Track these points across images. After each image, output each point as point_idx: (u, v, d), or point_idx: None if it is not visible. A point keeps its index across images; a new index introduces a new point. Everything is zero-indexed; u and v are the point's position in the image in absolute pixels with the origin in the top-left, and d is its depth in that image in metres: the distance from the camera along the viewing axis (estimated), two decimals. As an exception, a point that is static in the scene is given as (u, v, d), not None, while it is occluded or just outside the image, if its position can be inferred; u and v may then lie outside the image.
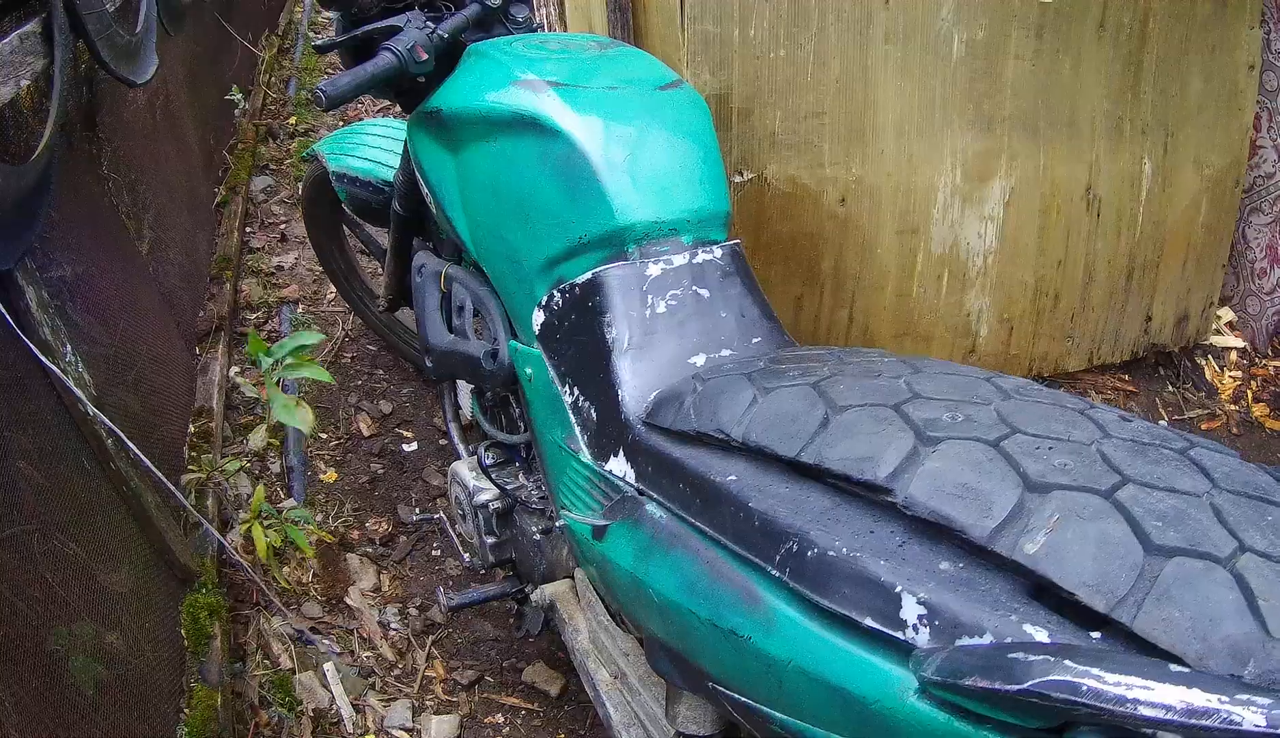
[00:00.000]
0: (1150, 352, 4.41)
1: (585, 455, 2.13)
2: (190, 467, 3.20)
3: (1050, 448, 1.37)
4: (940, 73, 3.55)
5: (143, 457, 2.43)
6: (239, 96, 5.41)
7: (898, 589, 1.32)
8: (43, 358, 2.20)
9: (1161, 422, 4.27)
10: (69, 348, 2.42)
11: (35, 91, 2.42)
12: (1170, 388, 4.45)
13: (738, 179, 3.30)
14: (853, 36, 3.41)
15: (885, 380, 1.65)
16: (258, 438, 3.14)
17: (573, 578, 2.46)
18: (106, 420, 2.39)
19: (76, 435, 2.45)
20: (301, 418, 2.87)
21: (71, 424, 2.44)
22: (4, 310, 2.06)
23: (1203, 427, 4.28)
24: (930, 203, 3.68)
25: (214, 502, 3.21)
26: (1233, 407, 4.34)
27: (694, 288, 2.14)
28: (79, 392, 2.33)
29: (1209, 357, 4.53)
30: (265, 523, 3.01)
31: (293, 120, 6.35)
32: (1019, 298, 3.98)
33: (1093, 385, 4.34)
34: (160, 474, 2.52)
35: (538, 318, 2.26)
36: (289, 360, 2.94)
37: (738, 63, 3.31)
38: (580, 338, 2.15)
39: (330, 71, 7.20)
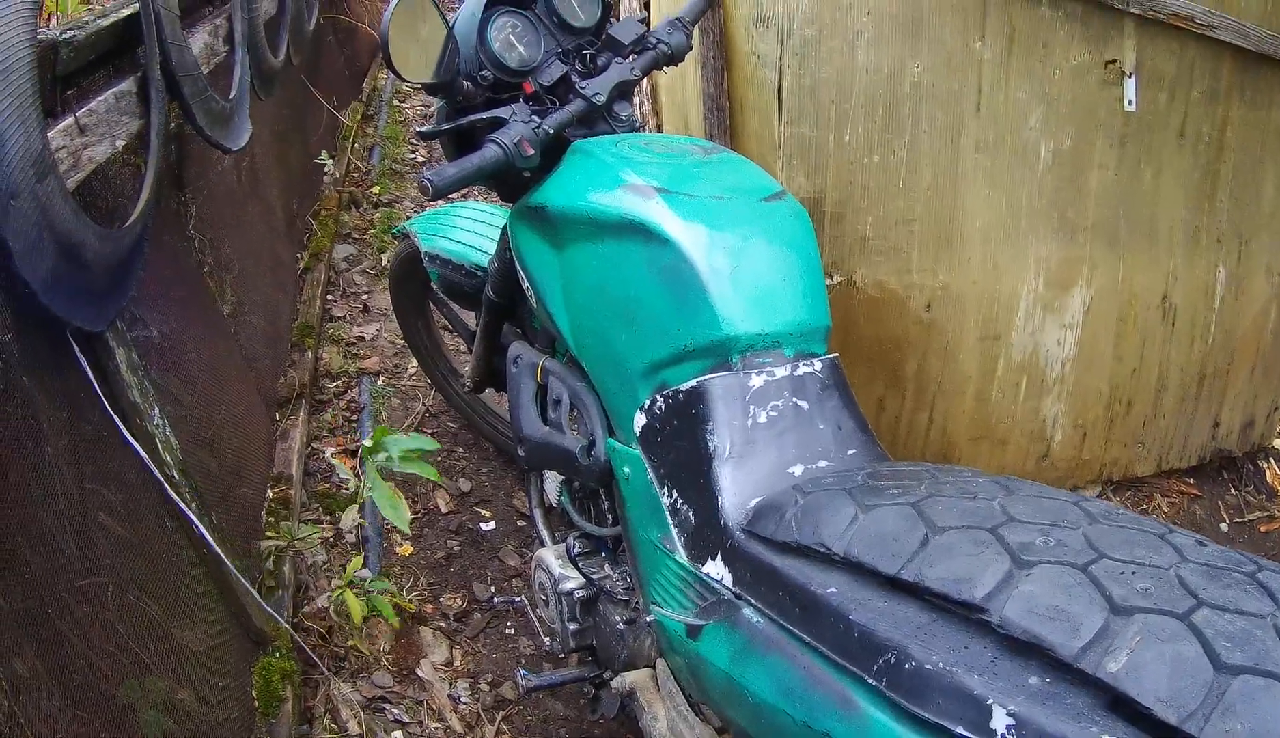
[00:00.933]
0: (1216, 456, 4.37)
1: (681, 556, 2.12)
2: (269, 533, 3.20)
3: (1133, 573, 1.42)
4: (1027, 181, 3.55)
5: (211, 540, 2.42)
6: (328, 161, 5.43)
7: (989, 701, 1.35)
8: (127, 436, 2.20)
9: (1223, 524, 4.26)
10: (156, 411, 2.44)
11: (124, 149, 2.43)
12: (1233, 491, 4.41)
13: (828, 282, 3.30)
14: (944, 144, 3.42)
15: (981, 502, 1.67)
16: (349, 519, 3.14)
17: (653, 668, 2.44)
18: (183, 505, 2.39)
19: (160, 496, 2.45)
20: (401, 516, 2.87)
21: (156, 484, 2.44)
22: (90, 375, 2.07)
23: (1261, 529, 4.25)
24: (1013, 310, 3.67)
25: (290, 568, 3.22)
26: (1292, 509, 4.30)
27: (794, 400, 2.13)
28: (156, 472, 2.33)
29: (1271, 460, 4.50)
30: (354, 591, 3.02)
31: (376, 189, 6.38)
32: (1093, 404, 3.96)
33: (1159, 489, 4.30)
34: (236, 569, 2.52)
35: (639, 420, 2.26)
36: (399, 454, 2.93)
37: (832, 167, 3.33)
38: (681, 443, 2.15)
39: (413, 143, 7.25)
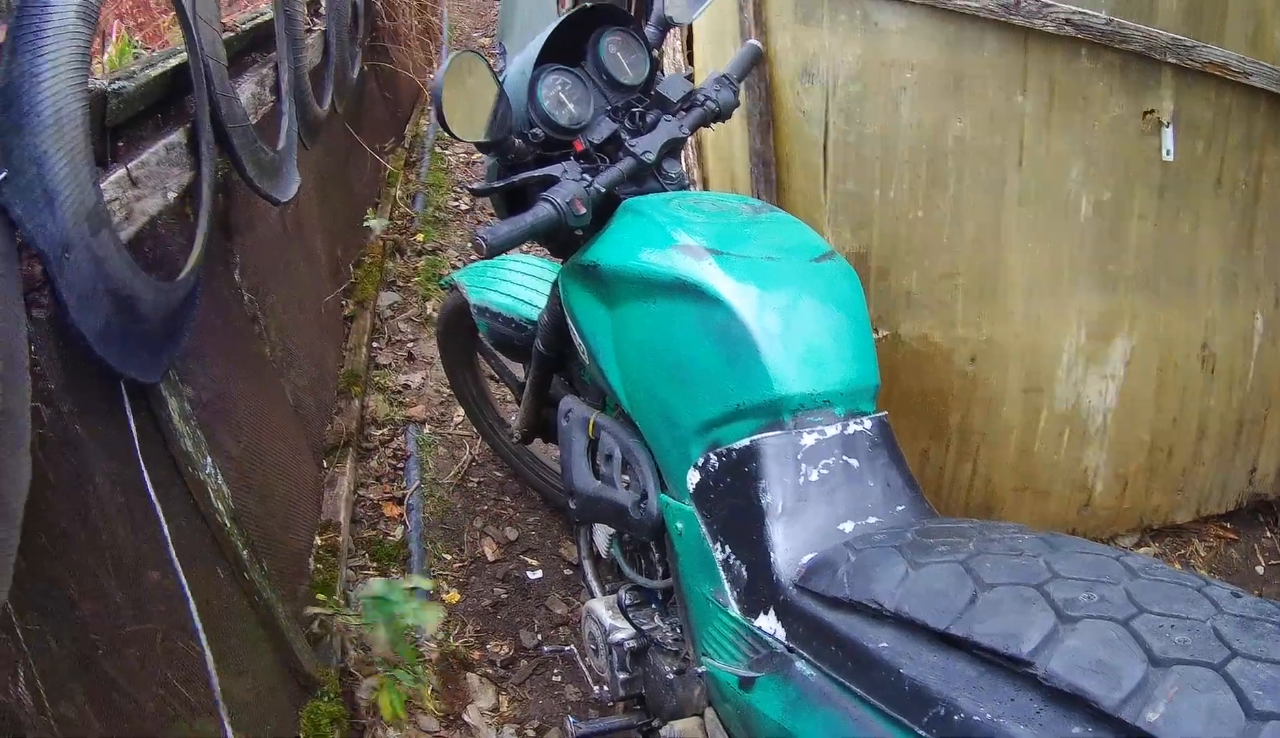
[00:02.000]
0: (1252, 501, 4.31)
1: (734, 610, 2.12)
2: (318, 596, 3.18)
3: (1172, 626, 1.44)
4: (1068, 234, 3.52)
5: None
6: (374, 220, 5.41)
7: None
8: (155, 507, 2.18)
9: (1259, 567, 4.21)
10: (209, 460, 2.42)
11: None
12: (1269, 534, 4.35)
13: (874, 337, 3.27)
14: (987, 198, 3.40)
15: (1026, 560, 1.68)
16: (381, 641, 3.11)
17: (701, 716, 2.40)
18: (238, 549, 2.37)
19: (211, 543, 2.46)
20: (409, 648, 2.85)
21: (208, 532, 2.44)
22: (133, 427, 2.04)
23: (1296, 571, 4.20)
24: (1055, 362, 3.64)
25: (337, 626, 3.20)
26: (1325, 552, 4.26)
27: (845, 458, 2.13)
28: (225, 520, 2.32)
29: (1306, 503, 4.44)
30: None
31: (420, 237, 6.38)
32: (1135, 454, 3.91)
33: (1197, 535, 4.25)
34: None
35: (693, 477, 2.24)
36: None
37: (877, 223, 3.33)
38: (734, 500, 2.14)
39: (457, 189, 7.25)
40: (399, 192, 6.65)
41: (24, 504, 1.49)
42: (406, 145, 7.54)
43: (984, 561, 1.70)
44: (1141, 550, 4.07)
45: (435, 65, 8.42)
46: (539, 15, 3.07)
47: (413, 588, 3.08)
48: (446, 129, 2.40)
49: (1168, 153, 3.54)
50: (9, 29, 1.62)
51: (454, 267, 6.13)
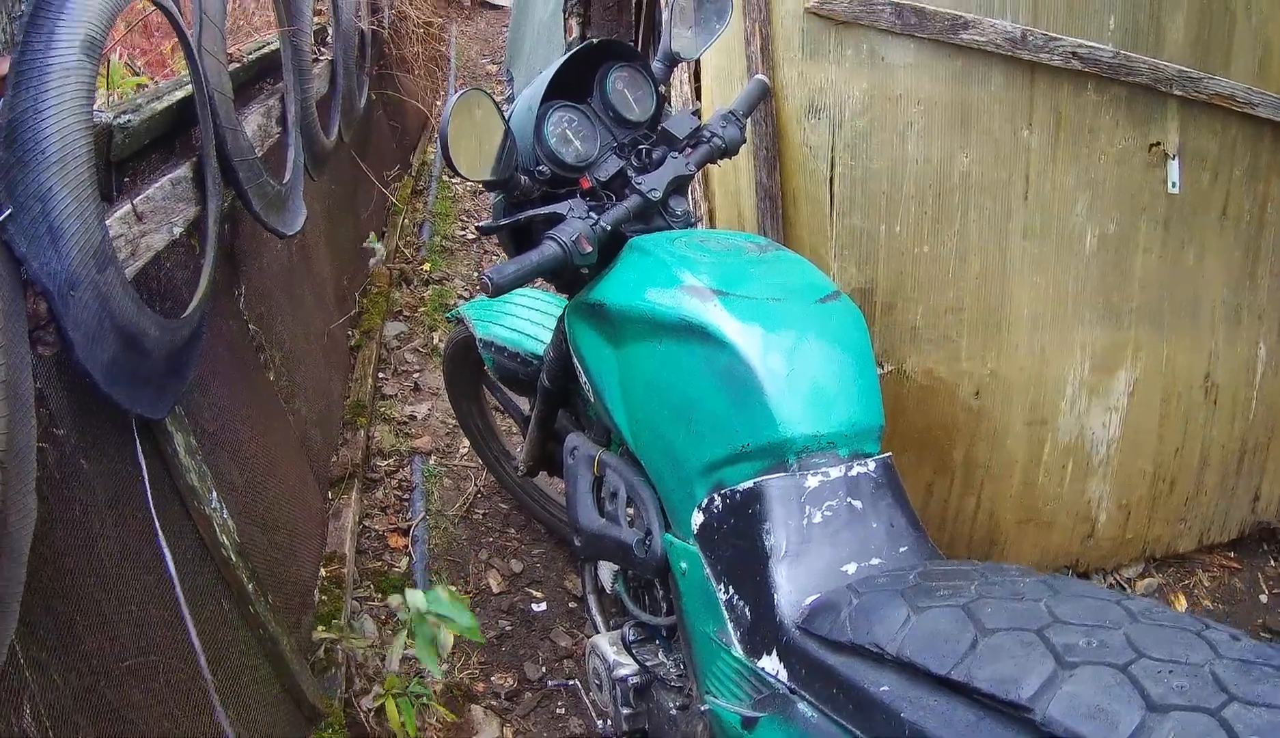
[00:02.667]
0: (1255, 529, 4.31)
1: (737, 650, 2.11)
2: (320, 628, 3.17)
3: (1170, 671, 1.44)
4: (1073, 267, 3.51)
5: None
6: (377, 244, 5.41)
7: None
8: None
9: (1262, 596, 4.19)
10: (214, 494, 2.41)
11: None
12: (1273, 562, 4.35)
13: (879, 371, 3.26)
14: (993, 233, 3.40)
15: (1027, 604, 1.68)
16: (396, 653, 3.08)
17: (705, 752, 2.41)
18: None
19: (216, 576, 2.45)
20: (435, 660, 2.82)
21: (213, 565, 2.43)
22: (144, 464, 2.04)
23: (1299, 597, 4.19)
24: (1059, 395, 3.63)
25: (343, 651, 3.19)
26: (1330, 579, 4.25)
27: (848, 500, 2.12)
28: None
29: (1309, 530, 4.43)
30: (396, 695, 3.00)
31: (426, 266, 6.38)
32: (1138, 484, 3.90)
33: (1200, 564, 4.24)
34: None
35: (697, 518, 2.24)
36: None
37: (883, 258, 3.32)
38: (738, 542, 2.13)
39: (464, 218, 7.26)
40: (405, 220, 6.65)
41: (30, 542, 1.47)
42: (413, 174, 7.54)
43: (985, 605, 1.70)
44: (1145, 581, 4.06)
45: (443, 93, 8.44)
46: (547, 43, 3.06)
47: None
48: (453, 168, 2.38)
49: (1173, 185, 3.54)
50: (13, 63, 1.62)
51: (461, 297, 6.14)
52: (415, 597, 2.82)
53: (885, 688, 1.68)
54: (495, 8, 14.13)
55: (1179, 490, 4.00)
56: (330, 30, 4.63)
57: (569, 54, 2.70)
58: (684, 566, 2.29)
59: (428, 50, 8.00)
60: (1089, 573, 4.00)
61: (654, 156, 2.70)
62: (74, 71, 1.68)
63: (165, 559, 2.01)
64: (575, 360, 2.72)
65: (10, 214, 1.54)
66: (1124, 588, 3.99)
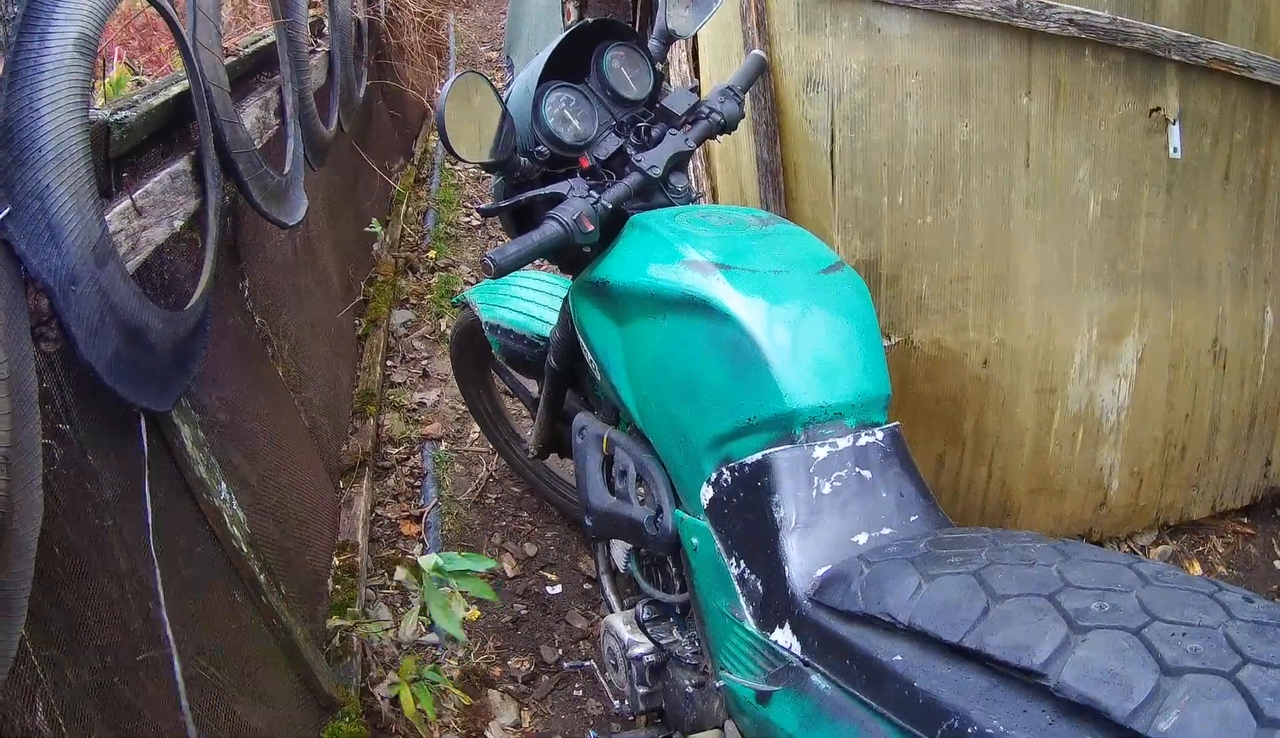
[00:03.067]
0: (1269, 495, 4.29)
1: (749, 624, 2.11)
2: (334, 616, 3.18)
3: (1184, 634, 1.45)
4: (1077, 234, 3.50)
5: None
6: (379, 229, 5.40)
7: None
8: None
9: (1277, 561, 4.17)
10: (223, 486, 2.42)
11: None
12: (1286, 527, 4.33)
13: (886, 343, 3.25)
14: (996, 202, 3.38)
15: (1039, 569, 1.68)
16: (409, 626, 3.09)
17: (721, 729, 2.40)
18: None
19: (228, 567, 2.45)
20: (453, 622, 2.82)
21: (224, 557, 2.44)
22: (146, 455, 2.03)
23: (1313, 562, 4.17)
24: (1068, 363, 3.62)
25: (358, 639, 3.20)
26: (1343, 543, 4.23)
27: (857, 470, 2.11)
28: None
29: (1322, 494, 4.41)
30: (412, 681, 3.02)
31: (432, 253, 6.38)
32: (1149, 451, 3.88)
33: (1214, 530, 4.22)
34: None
35: (706, 493, 2.23)
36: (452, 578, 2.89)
37: (886, 229, 3.31)
38: (748, 515, 2.12)
39: (468, 205, 7.25)
40: (408, 209, 6.64)
41: (38, 538, 1.47)
42: (416, 162, 7.54)
43: (996, 571, 1.70)
44: (1159, 548, 4.05)
45: (442, 81, 8.42)
46: (546, 28, 3.05)
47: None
48: (451, 152, 2.38)
49: (1175, 150, 3.52)
50: (7, 63, 1.62)
51: (467, 283, 6.14)
52: (429, 559, 2.83)
53: (898, 658, 1.68)
54: (493, -7, 14.11)
55: (1190, 457, 3.98)
56: (326, 21, 4.62)
57: (565, 34, 2.68)
58: (695, 541, 2.28)
59: (426, 38, 7.98)
60: (1103, 541, 3.99)
61: (653, 134, 2.69)
62: (68, 69, 1.68)
63: (150, 547, 2.00)
64: (580, 340, 2.71)
65: (9, 212, 1.54)
66: (1137, 556, 3.97)
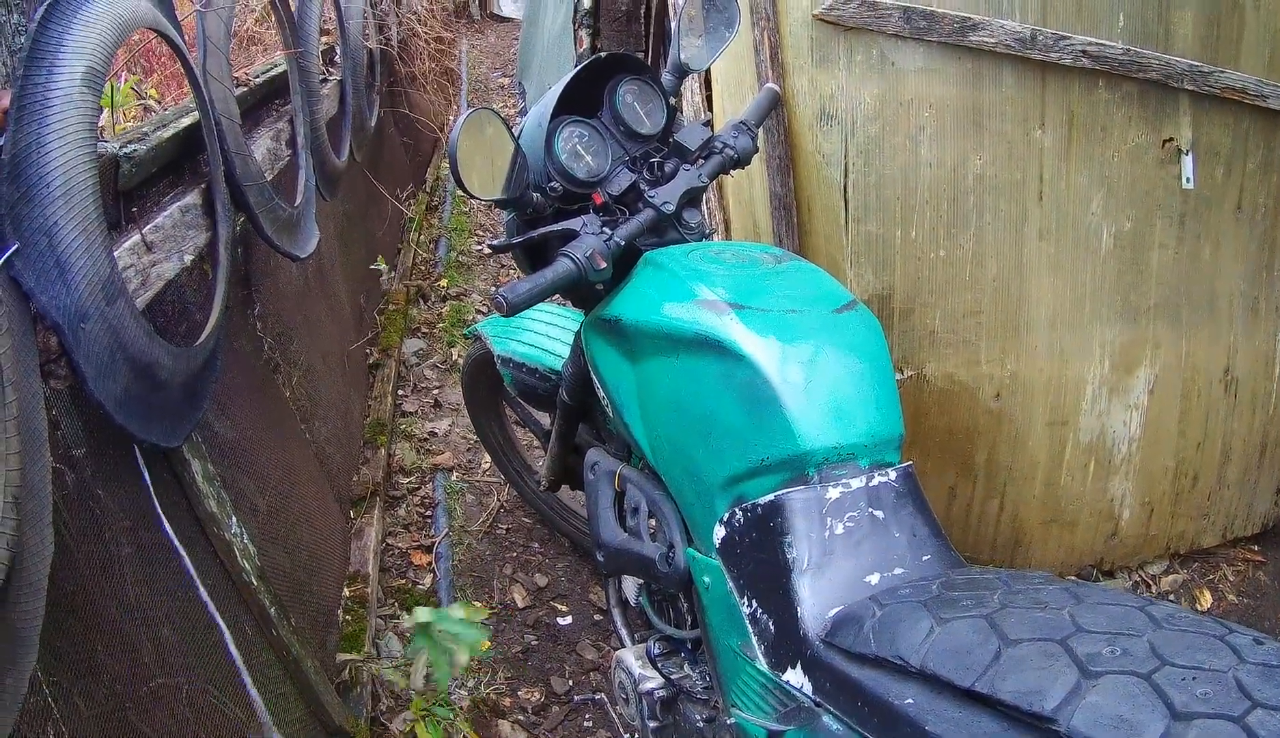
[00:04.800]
0: (1279, 522, 4.26)
1: (761, 663, 2.08)
2: (344, 647, 3.16)
3: (1193, 678, 1.44)
4: (1090, 266, 3.48)
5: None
6: (384, 267, 5.38)
7: None
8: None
9: (1287, 591, 4.14)
10: (233, 519, 2.40)
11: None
12: (1297, 556, 4.31)
13: (899, 377, 3.24)
14: (1009, 235, 3.37)
15: (1050, 613, 1.67)
16: (419, 671, 3.07)
17: (732, 765, 2.38)
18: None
19: (238, 600, 2.43)
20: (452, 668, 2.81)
21: (234, 589, 2.42)
22: (152, 492, 2.01)
23: (1324, 591, 4.14)
24: (1079, 395, 3.60)
25: (368, 671, 3.19)
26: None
27: (870, 510, 2.09)
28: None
29: (1332, 522, 4.39)
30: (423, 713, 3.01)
31: (443, 282, 6.37)
32: (1160, 481, 3.86)
33: (1224, 559, 4.19)
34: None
35: (718, 533, 2.20)
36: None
37: (900, 263, 3.30)
38: (760, 555, 2.10)
39: (480, 233, 7.24)
40: (421, 236, 6.63)
41: (49, 574, 1.46)
42: (428, 190, 7.54)
43: (1008, 615, 1.69)
44: (1169, 577, 4.02)
45: (455, 108, 8.43)
46: (557, 54, 3.04)
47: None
48: (463, 189, 2.36)
49: (1187, 180, 3.51)
50: (13, 98, 1.60)
51: (479, 312, 6.14)
52: (421, 612, 2.81)
53: (910, 701, 1.67)
54: (505, 20, 14.15)
55: (1201, 485, 3.96)
56: (338, 50, 4.61)
57: (577, 69, 2.67)
58: (707, 580, 2.26)
59: (438, 66, 7.99)
60: (1113, 571, 3.97)
61: (666, 169, 2.67)
62: (76, 103, 1.66)
63: (190, 574, 1.99)
64: (593, 376, 2.69)
65: (17, 249, 1.53)
66: (1148, 585, 3.96)
